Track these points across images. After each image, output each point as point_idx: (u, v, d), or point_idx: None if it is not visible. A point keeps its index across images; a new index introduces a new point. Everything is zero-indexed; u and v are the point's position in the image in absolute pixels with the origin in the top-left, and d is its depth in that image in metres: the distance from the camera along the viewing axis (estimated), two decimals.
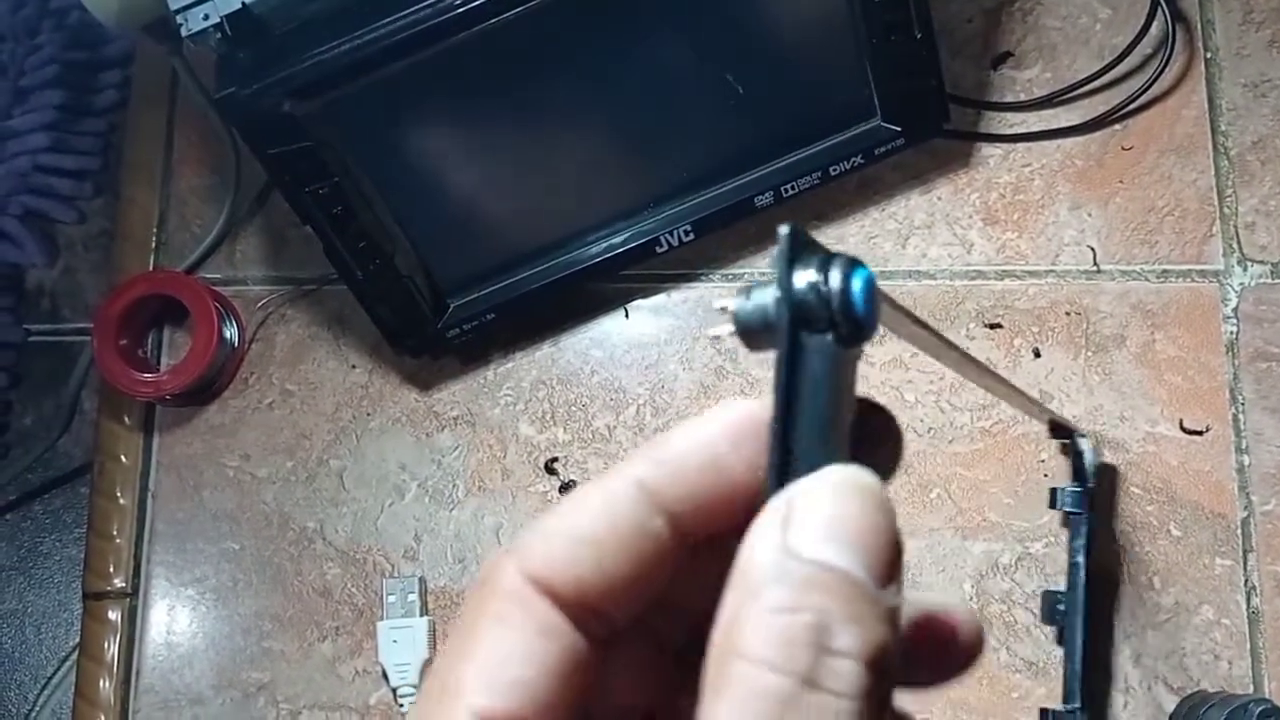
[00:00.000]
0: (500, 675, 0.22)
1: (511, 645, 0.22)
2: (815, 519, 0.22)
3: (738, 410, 0.25)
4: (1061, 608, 0.60)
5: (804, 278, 0.25)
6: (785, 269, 0.25)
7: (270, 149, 0.54)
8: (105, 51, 0.76)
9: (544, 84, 0.57)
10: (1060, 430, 0.62)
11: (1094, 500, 0.60)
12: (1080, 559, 0.59)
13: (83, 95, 0.76)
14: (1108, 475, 0.63)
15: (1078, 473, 0.61)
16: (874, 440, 0.26)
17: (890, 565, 0.22)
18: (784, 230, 0.26)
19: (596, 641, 0.23)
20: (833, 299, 0.25)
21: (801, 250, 0.26)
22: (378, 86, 0.53)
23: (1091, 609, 0.59)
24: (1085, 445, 0.61)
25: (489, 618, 0.23)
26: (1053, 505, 0.61)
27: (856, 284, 0.25)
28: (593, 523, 0.23)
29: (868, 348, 0.68)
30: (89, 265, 0.74)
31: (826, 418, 0.25)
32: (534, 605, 0.23)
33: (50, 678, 0.69)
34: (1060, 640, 0.60)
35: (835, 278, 0.25)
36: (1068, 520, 0.62)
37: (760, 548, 0.22)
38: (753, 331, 0.26)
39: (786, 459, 0.24)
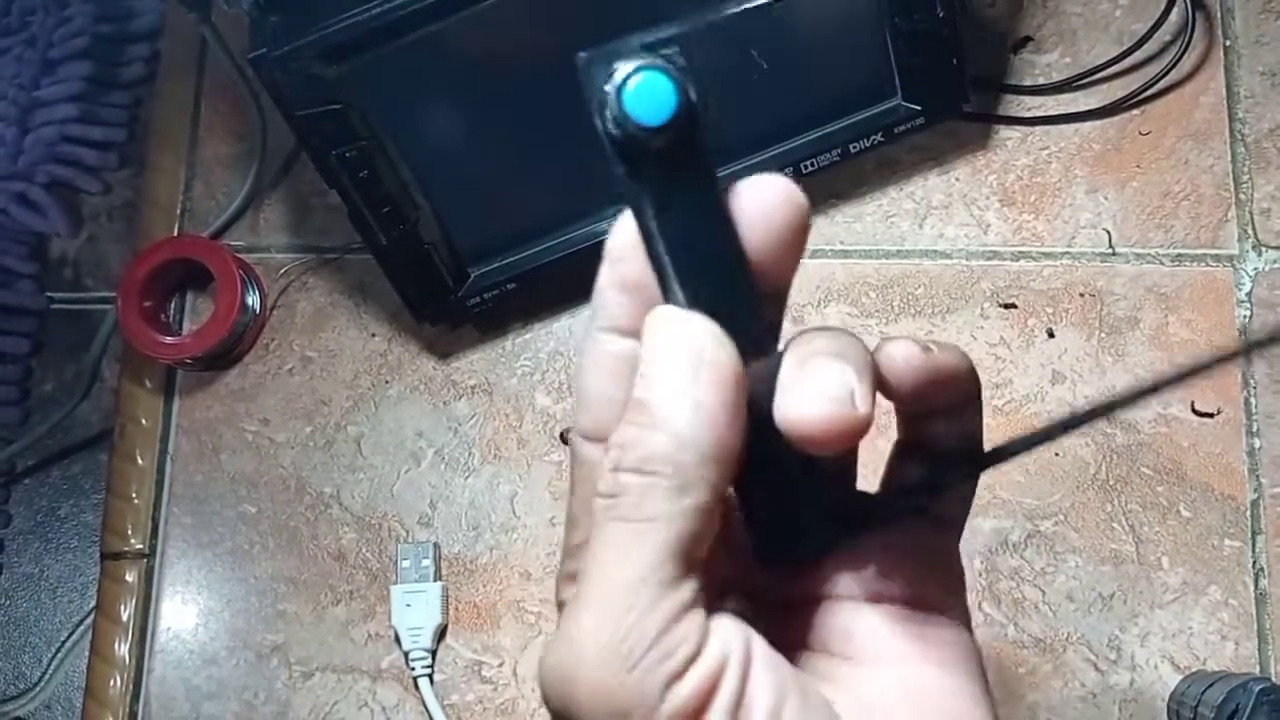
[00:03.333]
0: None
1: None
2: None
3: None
4: None
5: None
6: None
7: (299, 110, 0.54)
8: (134, 25, 0.77)
9: (570, 54, 0.58)
10: None
11: None
12: None
13: (111, 68, 0.77)
14: None
15: None
16: None
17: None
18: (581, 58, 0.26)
19: None
20: (615, 120, 0.25)
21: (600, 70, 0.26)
22: (407, 51, 0.54)
23: None
24: None
25: None
26: None
27: (628, 97, 0.25)
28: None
29: (881, 326, 0.68)
30: (112, 235, 0.75)
31: (680, 243, 0.27)
32: None
33: (64, 641, 0.69)
34: None
35: (612, 96, 0.25)
36: None
37: None
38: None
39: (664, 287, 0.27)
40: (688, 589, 0.27)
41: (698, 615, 0.27)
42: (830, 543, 0.30)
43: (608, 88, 0.26)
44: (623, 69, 0.25)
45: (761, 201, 0.28)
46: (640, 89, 0.25)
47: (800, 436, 0.27)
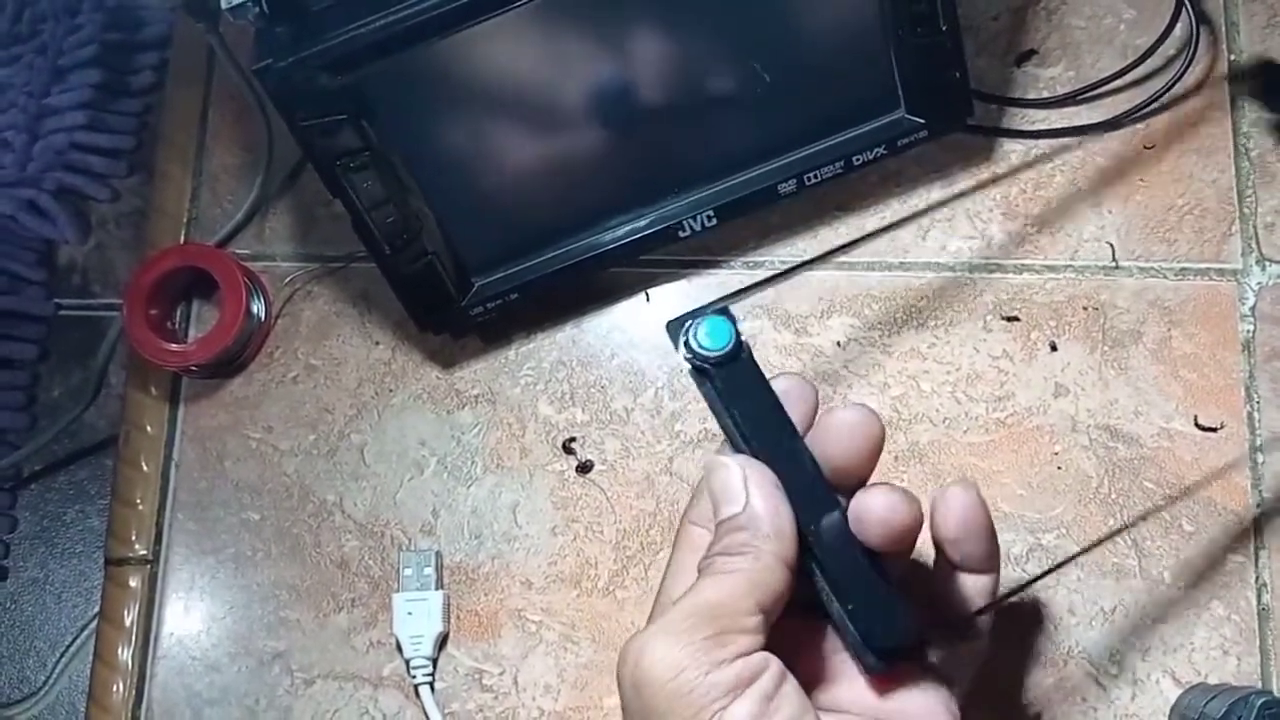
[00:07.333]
0: None
1: None
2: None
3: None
4: None
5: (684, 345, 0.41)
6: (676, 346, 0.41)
7: (304, 120, 0.55)
8: (143, 34, 0.78)
9: (574, 66, 0.58)
10: None
11: None
12: None
13: (120, 76, 0.77)
14: None
15: None
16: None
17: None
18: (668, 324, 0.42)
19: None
20: (694, 353, 0.41)
21: (680, 329, 0.41)
22: (411, 63, 0.54)
23: None
24: None
25: None
26: None
27: (700, 337, 0.41)
28: None
29: (884, 338, 0.69)
30: (119, 242, 0.76)
31: (747, 418, 0.41)
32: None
33: (69, 646, 0.70)
34: None
35: (690, 339, 0.41)
36: None
37: None
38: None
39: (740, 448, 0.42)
40: (755, 620, 0.39)
41: (760, 637, 0.39)
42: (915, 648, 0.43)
43: (689, 324, 0.41)
44: (699, 318, 0.41)
45: (847, 424, 0.42)
46: (709, 327, 0.40)
47: (871, 525, 0.40)
